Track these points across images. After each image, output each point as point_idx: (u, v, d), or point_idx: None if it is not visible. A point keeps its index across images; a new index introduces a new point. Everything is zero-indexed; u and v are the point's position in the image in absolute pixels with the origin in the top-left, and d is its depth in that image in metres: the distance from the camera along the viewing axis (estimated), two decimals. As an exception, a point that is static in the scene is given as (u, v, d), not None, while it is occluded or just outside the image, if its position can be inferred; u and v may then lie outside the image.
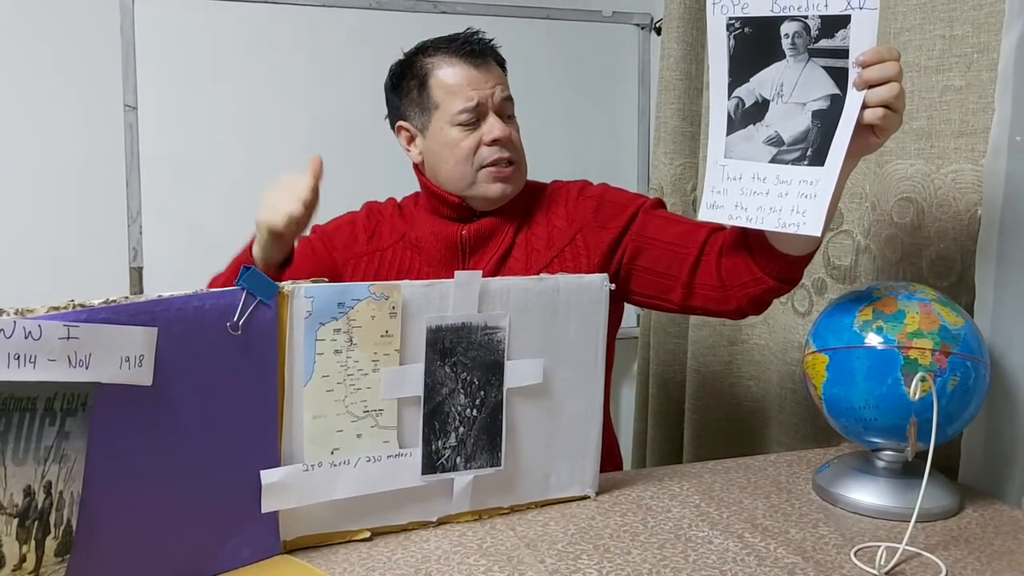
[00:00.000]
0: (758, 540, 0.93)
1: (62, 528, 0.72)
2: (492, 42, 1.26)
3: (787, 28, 0.96)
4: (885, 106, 0.91)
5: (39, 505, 0.70)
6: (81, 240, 1.87)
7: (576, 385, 1.01)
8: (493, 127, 1.20)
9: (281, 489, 0.87)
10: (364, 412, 0.90)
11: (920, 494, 0.90)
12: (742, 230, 1.09)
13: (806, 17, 0.95)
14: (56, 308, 0.71)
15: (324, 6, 1.94)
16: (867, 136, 0.94)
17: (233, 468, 0.84)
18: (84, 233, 1.87)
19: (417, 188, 1.32)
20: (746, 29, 0.99)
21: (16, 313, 0.69)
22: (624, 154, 2.20)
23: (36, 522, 0.70)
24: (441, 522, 0.97)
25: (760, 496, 1.06)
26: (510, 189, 1.23)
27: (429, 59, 1.23)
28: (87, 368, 0.71)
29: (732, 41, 1.01)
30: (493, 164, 1.21)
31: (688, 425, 1.86)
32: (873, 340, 0.99)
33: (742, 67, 1.01)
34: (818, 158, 0.96)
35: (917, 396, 0.93)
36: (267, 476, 0.86)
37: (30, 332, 0.67)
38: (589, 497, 1.05)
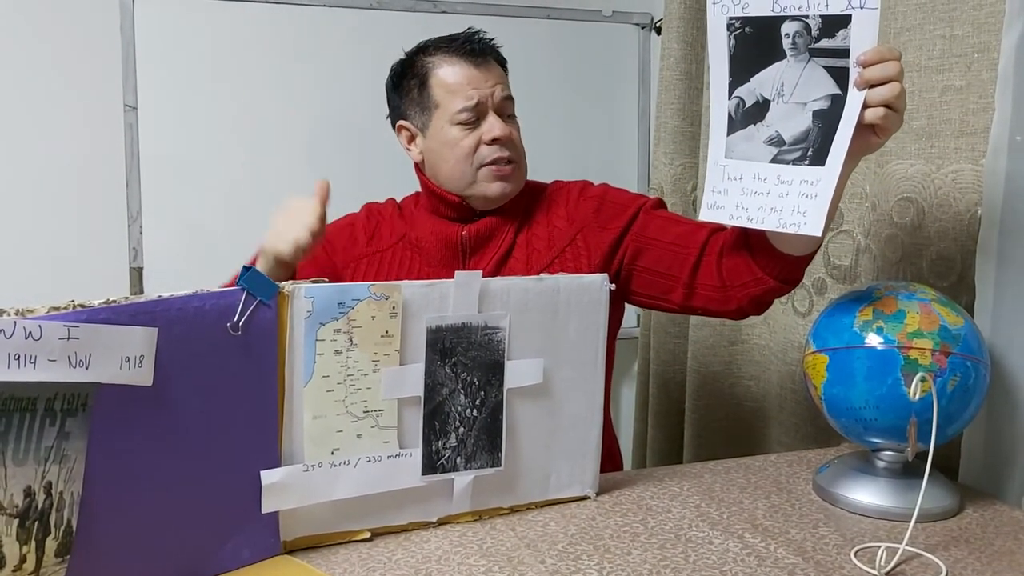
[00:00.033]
0: (758, 540, 0.93)
1: (62, 529, 0.72)
2: (493, 42, 1.26)
3: (788, 28, 0.96)
4: (886, 106, 0.91)
5: (39, 505, 0.70)
6: (81, 240, 1.87)
7: (576, 385, 1.01)
8: (493, 126, 1.20)
9: (281, 489, 0.87)
10: (364, 412, 0.90)
11: (920, 494, 0.90)
12: (743, 230, 1.09)
13: (807, 17, 0.95)
14: (56, 308, 0.71)
15: (324, 6, 1.93)
16: (868, 136, 0.94)
17: (233, 468, 0.84)
18: (84, 233, 1.87)
19: (418, 188, 1.32)
20: (747, 29, 0.99)
21: (16, 313, 0.69)
22: (624, 154, 2.20)
23: (36, 523, 0.70)
24: (441, 522, 0.97)
25: (760, 496, 1.06)
26: (510, 188, 1.23)
27: (430, 58, 1.23)
28: (87, 368, 0.71)
29: (733, 41, 1.01)
30: (493, 163, 1.21)
31: (688, 425, 1.86)
32: (873, 340, 0.99)
33: (743, 67, 1.01)
34: (819, 158, 0.96)
35: (917, 396, 0.93)
36: (267, 476, 0.86)
37: (30, 332, 0.67)
38: (589, 497, 1.05)
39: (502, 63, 1.27)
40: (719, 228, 1.15)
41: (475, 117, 1.20)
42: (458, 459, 0.95)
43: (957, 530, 0.97)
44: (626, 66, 2.18)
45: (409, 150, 1.29)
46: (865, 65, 0.91)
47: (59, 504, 0.71)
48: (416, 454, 0.93)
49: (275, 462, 0.87)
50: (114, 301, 0.74)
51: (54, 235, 1.85)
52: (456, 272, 0.92)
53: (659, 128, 1.96)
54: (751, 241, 1.09)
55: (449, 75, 1.21)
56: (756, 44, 0.99)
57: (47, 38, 1.81)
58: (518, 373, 0.97)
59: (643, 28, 2.17)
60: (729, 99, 1.03)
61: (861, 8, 0.91)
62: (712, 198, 1.05)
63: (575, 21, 2.11)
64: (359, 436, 0.90)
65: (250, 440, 0.85)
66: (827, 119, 0.96)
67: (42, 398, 0.69)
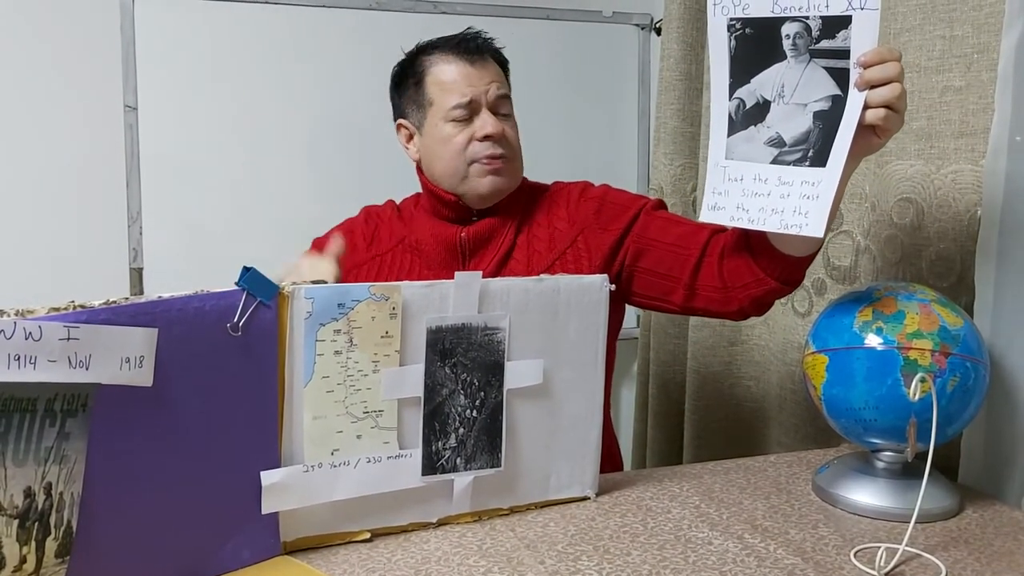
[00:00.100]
0: (758, 541, 0.93)
1: (62, 529, 0.72)
2: (491, 41, 1.26)
3: (788, 29, 0.96)
4: (887, 106, 0.91)
5: (39, 506, 0.70)
6: (81, 240, 1.87)
7: (576, 386, 1.01)
8: (486, 123, 1.20)
9: (281, 490, 0.87)
10: (364, 413, 0.90)
11: (920, 495, 0.90)
12: (743, 231, 1.09)
13: (807, 18, 0.95)
14: (56, 309, 0.71)
15: (324, 6, 1.93)
16: (869, 137, 0.94)
17: (233, 469, 0.84)
18: (84, 233, 1.87)
19: (418, 189, 1.32)
20: (747, 30, 0.99)
21: (16, 314, 0.69)
22: (624, 154, 2.20)
23: (36, 523, 0.70)
24: (441, 523, 0.97)
25: (760, 497, 1.06)
26: (500, 183, 1.22)
27: (428, 57, 1.24)
28: (87, 369, 0.71)
29: (733, 42, 1.01)
30: (484, 159, 1.20)
31: (688, 426, 1.86)
32: (873, 341, 0.99)
33: (743, 68, 1.01)
34: (820, 159, 0.96)
35: (917, 397, 0.93)
36: (267, 477, 0.86)
37: (30, 333, 0.67)
38: (589, 498, 1.05)
39: (502, 63, 1.27)
40: (720, 229, 1.15)
41: (468, 114, 1.20)
42: (458, 460, 0.95)
43: (957, 531, 0.97)
44: (626, 67, 2.18)
45: (408, 149, 1.29)
46: (866, 66, 0.91)
47: (59, 505, 0.71)
48: (416, 455, 0.93)
49: (275, 463, 0.87)
50: (114, 302, 0.74)
51: (54, 235, 1.85)
52: (456, 273, 0.92)
53: (659, 129, 1.96)
54: (752, 242, 1.09)
55: (444, 73, 1.22)
56: (756, 45, 0.99)
57: (47, 38, 1.81)
58: (518, 374, 0.97)
59: (643, 29, 2.17)
60: (729, 100, 1.03)
61: (861, 9, 0.91)
62: (713, 199, 1.05)
63: (575, 22, 2.11)
64: (359, 437, 0.90)
65: (250, 441, 0.85)
66: (828, 120, 0.96)
67: (42, 399, 0.69)
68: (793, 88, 0.98)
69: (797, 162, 0.99)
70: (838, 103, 0.95)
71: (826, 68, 0.95)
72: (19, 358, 0.67)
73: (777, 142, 1.00)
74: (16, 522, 0.69)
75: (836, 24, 0.93)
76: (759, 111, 1.01)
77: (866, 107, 0.92)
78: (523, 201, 1.28)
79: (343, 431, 0.89)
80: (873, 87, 0.92)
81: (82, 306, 0.72)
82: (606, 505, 1.03)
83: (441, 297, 0.92)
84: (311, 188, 1.95)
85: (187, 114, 1.87)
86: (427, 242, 1.26)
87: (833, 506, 1.04)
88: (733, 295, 1.12)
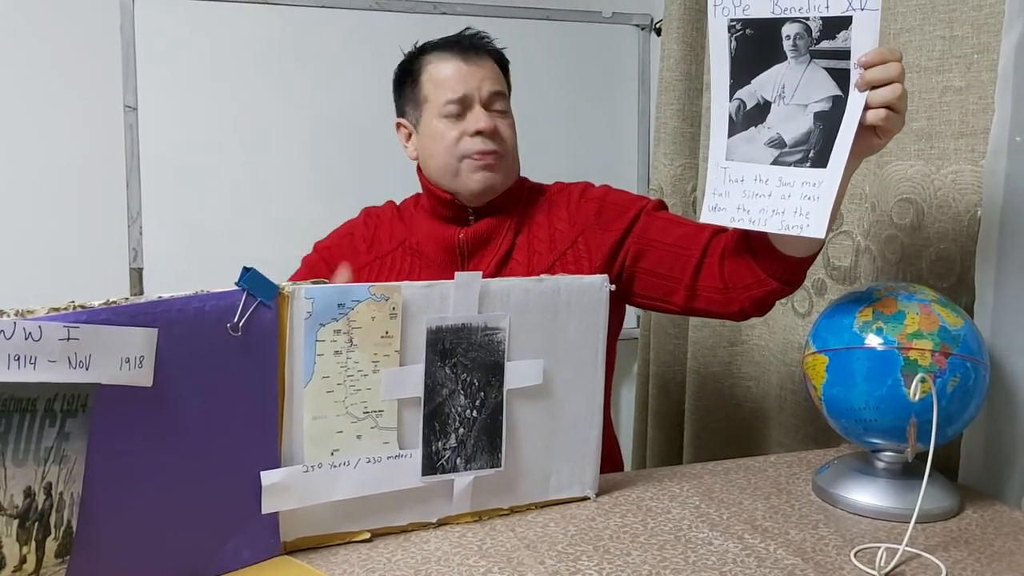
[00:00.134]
0: (758, 541, 0.93)
1: (62, 529, 0.72)
2: (489, 39, 1.26)
3: (788, 29, 0.96)
4: (887, 107, 0.91)
5: (39, 506, 0.70)
6: (81, 240, 1.87)
7: (576, 386, 1.01)
8: (478, 119, 1.20)
9: (281, 490, 0.87)
10: (364, 413, 0.90)
11: (920, 495, 0.90)
12: (744, 232, 1.09)
13: (807, 18, 0.95)
14: (56, 309, 0.71)
15: (324, 6, 1.93)
16: (869, 137, 0.94)
17: (233, 469, 0.84)
18: (84, 233, 1.87)
19: (418, 189, 1.32)
20: (747, 31, 0.99)
21: (16, 314, 0.69)
22: (624, 155, 2.20)
23: (36, 523, 0.70)
24: (441, 523, 0.97)
25: (760, 497, 1.06)
26: (492, 179, 1.22)
27: (425, 56, 1.25)
28: (87, 369, 0.71)
29: (733, 43, 1.01)
30: (476, 155, 1.20)
31: (688, 426, 1.86)
32: (873, 341, 0.99)
33: (743, 69, 1.01)
34: (821, 160, 0.96)
35: (917, 397, 0.93)
36: (267, 477, 0.86)
37: (30, 333, 0.67)
38: (589, 498, 1.05)
39: (501, 61, 1.27)
40: (721, 230, 1.15)
41: (460, 110, 1.21)
42: (458, 460, 0.95)
43: (957, 531, 0.97)
44: (626, 67, 2.18)
45: (407, 148, 1.29)
46: (866, 67, 0.91)
47: (59, 505, 0.71)
48: (416, 455, 0.93)
49: (275, 463, 0.87)
50: (114, 302, 0.74)
51: (54, 235, 1.85)
52: (456, 273, 0.92)
53: (659, 129, 1.96)
54: (753, 243, 1.09)
55: (439, 70, 1.22)
56: (757, 46, 0.99)
57: (47, 38, 1.81)
58: (518, 374, 0.97)
59: (643, 29, 2.17)
60: (730, 101, 1.03)
61: (862, 9, 0.91)
62: (713, 200, 1.05)
63: (575, 22, 2.11)
64: (359, 437, 0.90)
65: (250, 441, 0.85)
66: (828, 121, 0.96)
67: (42, 399, 0.69)
68: (794, 89, 0.98)
69: (798, 163, 0.99)
70: (839, 104, 0.95)
71: (826, 69, 0.95)
72: (19, 358, 0.67)
73: (778, 143, 1.00)
74: (16, 522, 0.69)
75: (836, 25, 0.93)
76: (760, 112, 1.01)
77: (867, 108, 0.92)
78: (522, 202, 1.28)
79: (343, 431, 0.89)
80: (874, 88, 0.92)
81: (82, 306, 0.72)
82: (606, 505, 1.03)
83: (441, 297, 0.92)
84: (311, 188, 1.95)
85: (187, 114, 1.87)
86: (427, 243, 1.26)
87: (833, 506, 1.04)
88: (734, 296, 1.12)
